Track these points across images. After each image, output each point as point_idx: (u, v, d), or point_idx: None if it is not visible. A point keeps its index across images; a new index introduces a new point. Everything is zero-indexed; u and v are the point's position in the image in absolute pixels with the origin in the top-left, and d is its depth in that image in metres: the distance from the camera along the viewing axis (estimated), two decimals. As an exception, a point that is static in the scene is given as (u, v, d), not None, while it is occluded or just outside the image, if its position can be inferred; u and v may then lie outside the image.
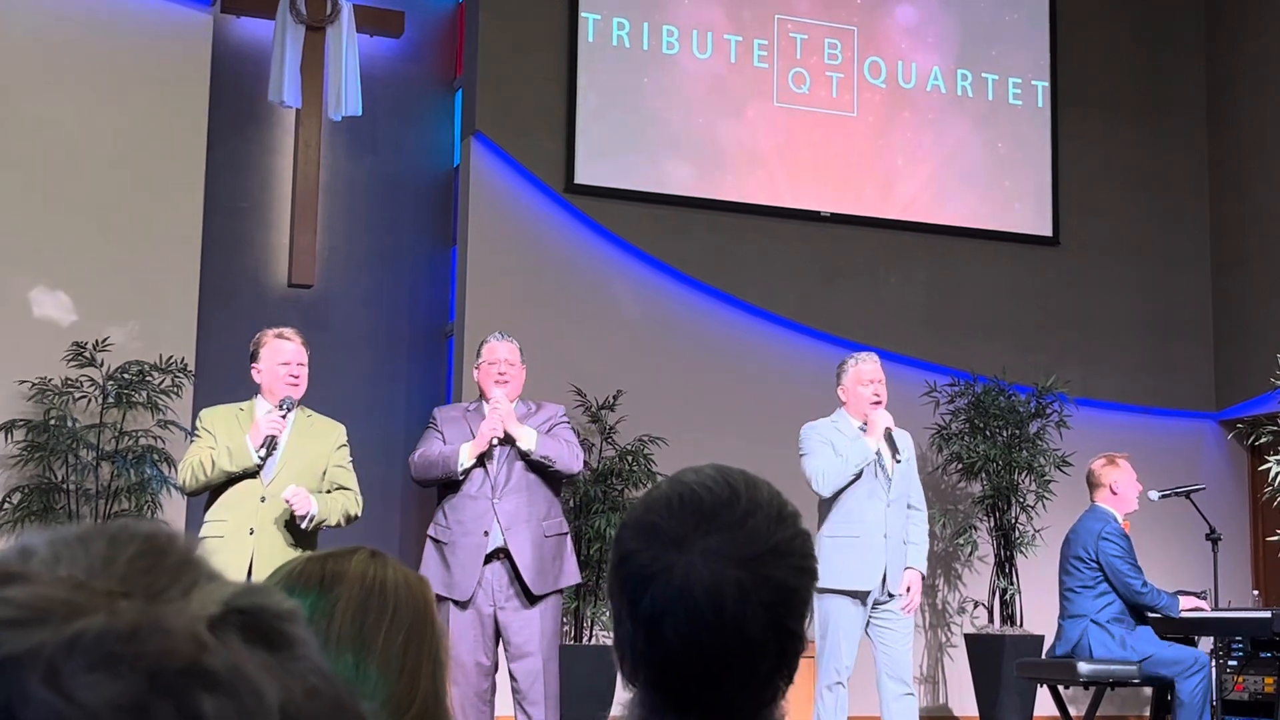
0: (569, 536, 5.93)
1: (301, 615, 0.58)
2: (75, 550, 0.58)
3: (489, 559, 5.66)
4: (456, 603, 5.63)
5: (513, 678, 5.66)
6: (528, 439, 5.72)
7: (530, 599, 5.66)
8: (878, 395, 6.34)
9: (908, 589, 6.27)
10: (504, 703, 5.87)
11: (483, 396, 5.91)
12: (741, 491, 1.39)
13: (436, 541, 5.80)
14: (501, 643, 5.70)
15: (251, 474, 5.34)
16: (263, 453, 5.33)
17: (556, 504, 5.88)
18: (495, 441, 5.71)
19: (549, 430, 5.85)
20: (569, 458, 5.83)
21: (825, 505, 6.33)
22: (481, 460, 5.72)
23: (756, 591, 1.34)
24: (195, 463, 5.37)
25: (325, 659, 0.57)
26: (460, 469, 5.67)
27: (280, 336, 5.58)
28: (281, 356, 5.53)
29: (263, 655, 0.55)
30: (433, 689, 1.68)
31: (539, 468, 5.77)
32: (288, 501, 5.24)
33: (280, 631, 0.56)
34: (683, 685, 1.37)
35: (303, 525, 5.31)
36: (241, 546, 5.25)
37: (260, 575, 5.04)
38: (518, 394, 5.93)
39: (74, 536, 0.59)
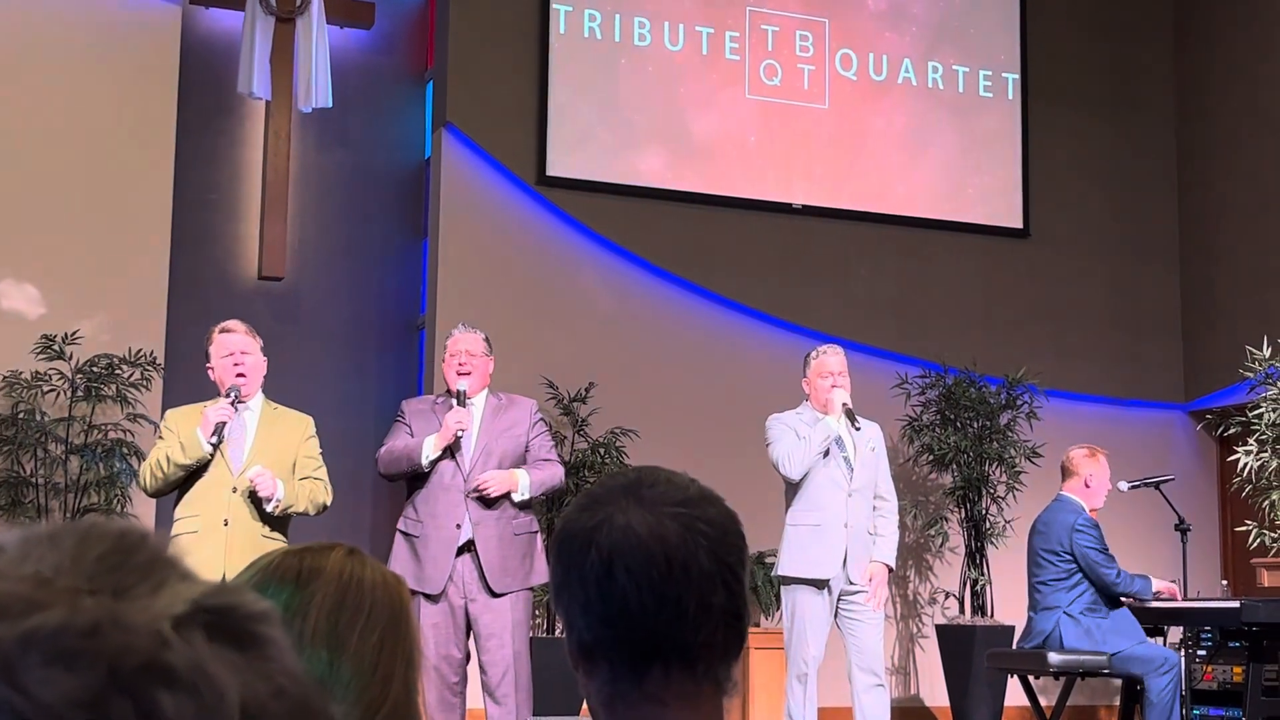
0: (539, 535, 5.89)
1: (275, 616, 0.57)
2: (44, 547, 0.57)
3: (460, 551, 5.65)
4: (427, 596, 5.62)
5: (483, 670, 5.65)
6: (522, 486, 5.70)
7: (494, 593, 5.65)
8: (835, 385, 6.35)
9: (870, 579, 6.25)
10: (474, 696, 5.86)
11: (448, 390, 5.88)
12: (661, 469, 1.49)
13: (407, 535, 5.76)
14: (472, 635, 5.69)
15: (205, 465, 5.33)
16: (214, 439, 5.32)
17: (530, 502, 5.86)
18: (460, 434, 5.68)
19: (529, 440, 5.83)
20: (555, 481, 5.86)
21: (790, 495, 6.34)
22: (453, 453, 5.70)
23: (696, 527, 1.41)
24: (152, 463, 5.40)
25: (299, 660, 0.57)
26: (425, 461, 5.65)
27: (224, 330, 5.62)
28: (225, 349, 5.56)
29: (230, 654, 0.54)
30: (405, 690, 1.68)
31: (514, 464, 5.76)
32: (251, 481, 5.24)
33: (250, 631, 0.56)
34: (641, 636, 1.38)
35: (268, 508, 5.30)
36: (215, 539, 5.23)
37: (234, 567, 5.02)
38: (484, 385, 5.88)
39: (45, 534, 0.58)
